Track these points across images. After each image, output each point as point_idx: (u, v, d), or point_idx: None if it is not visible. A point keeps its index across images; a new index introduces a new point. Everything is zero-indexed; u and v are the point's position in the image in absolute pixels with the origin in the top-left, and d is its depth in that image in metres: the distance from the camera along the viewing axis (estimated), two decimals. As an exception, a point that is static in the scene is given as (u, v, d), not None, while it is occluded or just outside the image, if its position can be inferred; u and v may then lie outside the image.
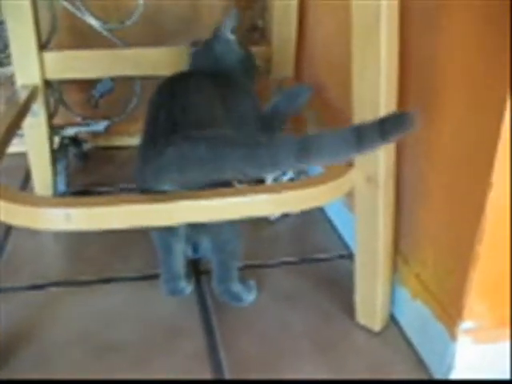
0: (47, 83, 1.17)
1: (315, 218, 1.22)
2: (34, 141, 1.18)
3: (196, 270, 1.04)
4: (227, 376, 0.83)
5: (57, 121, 1.35)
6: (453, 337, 0.78)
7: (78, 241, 1.12)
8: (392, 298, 0.93)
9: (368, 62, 0.74)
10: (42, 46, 1.15)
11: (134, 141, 1.47)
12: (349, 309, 0.93)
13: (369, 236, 0.84)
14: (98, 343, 0.88)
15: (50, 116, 1.22)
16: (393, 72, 0.76)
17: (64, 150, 1.30)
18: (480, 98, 0.70)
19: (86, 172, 1.38)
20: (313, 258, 1.09)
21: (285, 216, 1.20)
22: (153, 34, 1.37)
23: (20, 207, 0.72)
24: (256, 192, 0.77)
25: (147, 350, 0.87)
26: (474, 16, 0.69)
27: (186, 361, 0.85)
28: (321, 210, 1.24)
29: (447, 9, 0.74)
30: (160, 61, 1.21)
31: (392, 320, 0.93)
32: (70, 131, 1.37)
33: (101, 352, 0.86)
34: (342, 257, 1.09)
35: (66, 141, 1.34)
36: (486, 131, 0.68)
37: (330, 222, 1.21)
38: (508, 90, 0.64)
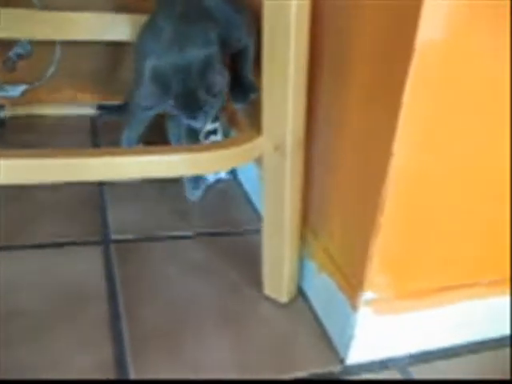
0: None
1: (232, 192, 1.21)
2: None
3: (106, 238, 1.02)
4: (126, 345, 0.81)
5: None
6: (354, 307, 0.78)
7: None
8: (301, 272, 0.93)
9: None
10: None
11: (55, 110, 1.44)
12: (258, 281, 0.93)
13: (275, 206, 0.84)
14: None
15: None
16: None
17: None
18: (384, 72, 0.70)
19: (2, 140, 1.32)
20: (226, 231, 1.08)
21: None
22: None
23: None
24: (166, 152, 0.75)
25: (48, 318, 0.84)
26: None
27: (86, 328, 0.82)
28: (238, 185, 1.23)
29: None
30: (82, 26, 1.17)
31: (300, 293, 0.93)
32: (-16, 95, 1.31)
33: (-2, 320, 0.83)
34: (255, 231, 1.08)
35: (-20, 105, 1.28)
36: (390, 103, 0.68)
37: (246, 196, 1.20)
38: (410, 62, 0.64)
